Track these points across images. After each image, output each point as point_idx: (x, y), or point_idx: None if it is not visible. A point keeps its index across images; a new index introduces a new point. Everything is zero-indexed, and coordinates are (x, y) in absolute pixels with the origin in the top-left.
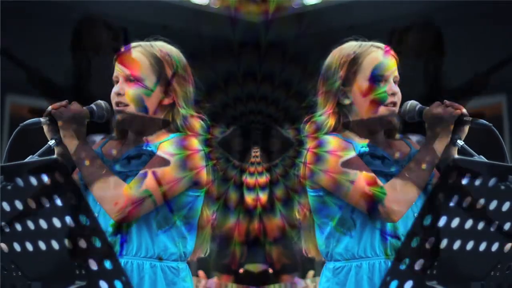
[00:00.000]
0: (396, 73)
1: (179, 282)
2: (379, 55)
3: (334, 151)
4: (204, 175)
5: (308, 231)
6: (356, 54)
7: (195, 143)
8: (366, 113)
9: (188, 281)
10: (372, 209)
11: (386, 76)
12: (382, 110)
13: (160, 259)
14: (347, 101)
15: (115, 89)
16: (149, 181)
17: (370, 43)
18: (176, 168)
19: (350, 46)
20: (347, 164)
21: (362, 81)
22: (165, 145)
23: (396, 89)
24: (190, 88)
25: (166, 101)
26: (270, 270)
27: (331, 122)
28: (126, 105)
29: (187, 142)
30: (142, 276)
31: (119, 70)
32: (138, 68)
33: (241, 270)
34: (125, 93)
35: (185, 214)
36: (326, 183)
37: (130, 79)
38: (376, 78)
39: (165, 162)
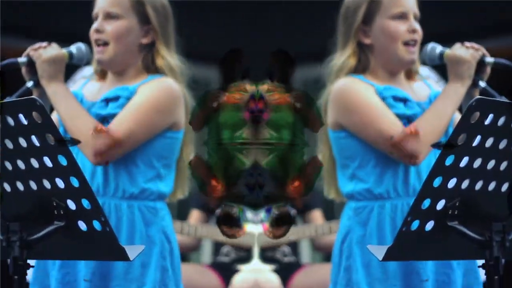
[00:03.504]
0: (416, 10)
1: (157, 222)
2: None
3: (355, 93)
4: (183, 117)
5: (329, 172)
6: None
7: (174, 84)
8: (387, 52)
9: (167, 220)
10: (394, 150)
11: (406, 13)
12: (403, 49)
13: (137, 199)
14: (367, 41)
15: (94, 25)
16: (127, 123)
17: None
18: (154, 109)
19: None
20: (369, 106)
21: (382, 20)
22: (143, 87)
23: (417, 26)
24: (170, 29)
25: (146, 41)
26: (293, 211)
27: (351, 62)
28: (106, 43)
29: (165, 84)
30: (120, 216)
31: (99, 7)
32: (118, 6)
33: (218, 211)
34: (104, 30)
35: (163, 155)
36: (348, 124)
37: (110, 16)
38: (397, 16)
39: (143, 104)
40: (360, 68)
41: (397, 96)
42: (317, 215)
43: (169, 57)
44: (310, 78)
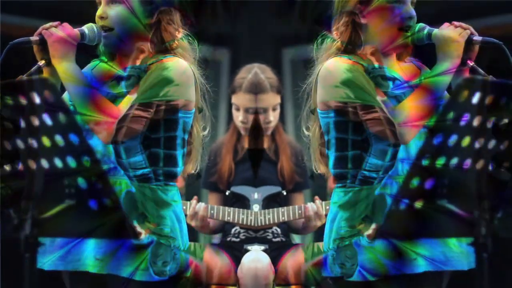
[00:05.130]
0: None
1: (167, 201)
2: None
3: (342, 75)
4: (194, 96)
5: (318, 148)
6: None
7: (183, 64)
8: (381, 34)
9: (176, 199)
10: (383, 132)
11: None
12: (397, 33)
13: (147, 179)
14: (362, 21)
15: (98, 12)
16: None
17: None
18: (165, 90)
19: None
20: (356, 87)
21: (380, 2)
22: (153, 67)
23: (413, 13)
24: (175, 7)
25: (151, 21)
26: (284, 193)
27: (343, 41)
28: (111, 28)
29: (175, 63)
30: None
31: None
32: None
33: (227, 192)
34: (107, 17)
35: (175, 134)
36: (336, 105)
37: (112, 1)
38: (395, 0)
39: (154, 84)
40: (351, 47)
41: (386, 76)
42: (299, 197)
43: (176, 35)
44: (299, 59)
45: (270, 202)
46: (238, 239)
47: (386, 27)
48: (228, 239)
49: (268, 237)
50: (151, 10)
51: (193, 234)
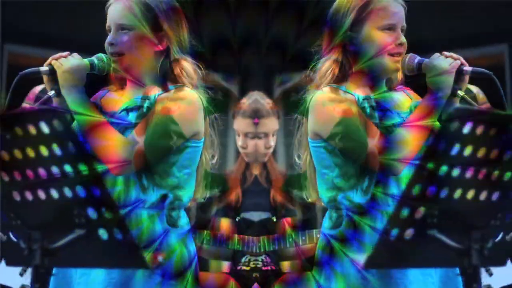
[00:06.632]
0: (404, 23)
1: (176, 229)
2: (389, 3)
3: (332, 107)
4: (203, 125)
5: (310, 177)
6: (366, 0)
7: (193, 95)
8: (372, 60)
9: (185, 227)
10: (374, 163)
11: (395, 26)
12: (388, 58)
13: (158, 208)
14: (352, 47)
15: (108, 39)
16: (148, 135)
17: None
18: (174, 122)
19: None
20: (347, 120)
21: (370, 29)
22: (163, 98)
23: (403, 39)
24: (184, 33)
25: (160, 47)
26: (274, 219)
27: (334, 70)
28: (121, 54)
29: (185, 94)
30: (141, 226)
31: (111, 19)
32: (130, 17)
33: (237, 219)
34: (118, 43)
35: (184, 164)
36: (325, 136)
37: (122, 28)
38: (385, 27)
39: (163, 116)
40: (341, 75)
41: (376, 106)
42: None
43: (185, 62)
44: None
45: (261, 229)
46: (248, 267)
47: (377, 53)
48: (238, 267)
49: (258, 266)
50: (161, 37)
51: (203, 263)
